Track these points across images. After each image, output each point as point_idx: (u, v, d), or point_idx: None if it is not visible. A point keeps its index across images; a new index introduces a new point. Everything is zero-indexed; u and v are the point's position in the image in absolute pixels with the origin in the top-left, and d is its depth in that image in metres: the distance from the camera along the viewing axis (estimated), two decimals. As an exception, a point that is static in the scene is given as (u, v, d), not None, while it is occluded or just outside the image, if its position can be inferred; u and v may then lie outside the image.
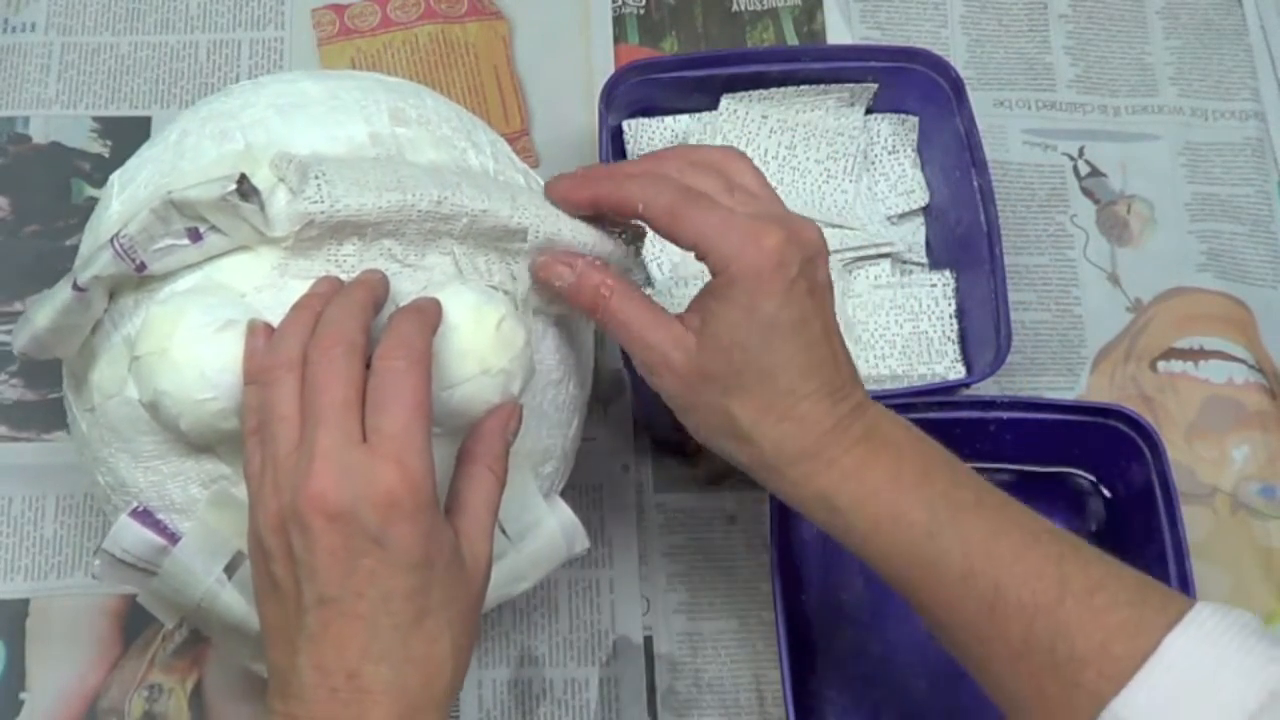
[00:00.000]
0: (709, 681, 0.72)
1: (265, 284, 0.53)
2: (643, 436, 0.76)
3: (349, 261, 0.53)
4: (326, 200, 0.51)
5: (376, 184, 0.52)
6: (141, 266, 0.52)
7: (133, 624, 0.70)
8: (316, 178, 0.52)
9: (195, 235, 0.52)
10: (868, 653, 0.70)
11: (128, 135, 0.80)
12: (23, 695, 0.69)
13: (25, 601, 0.71)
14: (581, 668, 0.72)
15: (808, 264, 0.53)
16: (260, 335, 0.51)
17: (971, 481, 0.55)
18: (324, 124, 0.56)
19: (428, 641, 0.48)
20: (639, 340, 0.55)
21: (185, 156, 0.56)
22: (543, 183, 0.62)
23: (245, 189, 0.51)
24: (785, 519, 0.69)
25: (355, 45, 0.84)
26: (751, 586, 0.73)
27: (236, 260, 0.53)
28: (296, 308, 0.51)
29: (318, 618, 0.48)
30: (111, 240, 0.52)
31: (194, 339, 0.51)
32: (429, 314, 0.51)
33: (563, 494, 0.63)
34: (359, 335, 0.49)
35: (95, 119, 0.81)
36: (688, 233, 0.53)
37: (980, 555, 0.52)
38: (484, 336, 0.53)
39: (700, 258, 0.53)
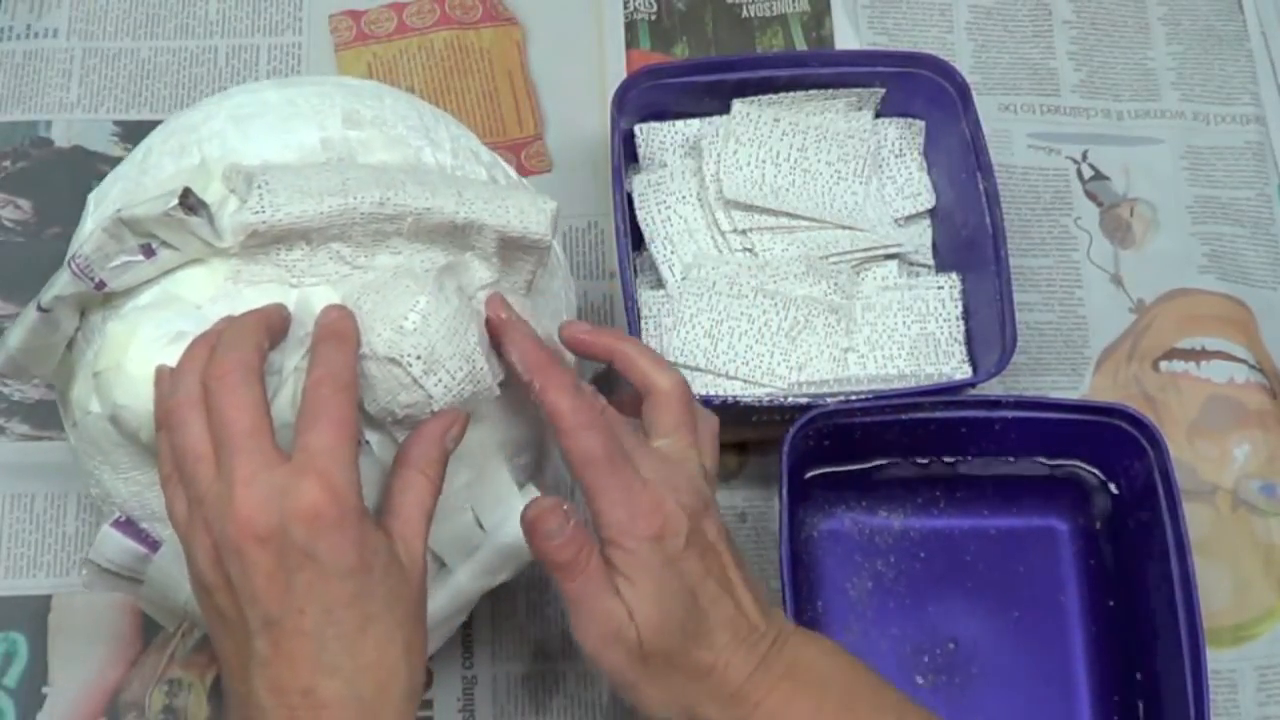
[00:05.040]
0: (719, 676, 0.72)
1: (220, 294, 0.53)
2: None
3: (298, 266, 0.54)
4: (268, 209, 0.52)
5: (319, 189, 0.52)
6: (101, 284, 0.53)
7: (153, 620, 0.70)
8: (259, 187, 0.52)
9: (149, 251, 0.53)
10: (875, 650, 0.71)
11: (145, 138, 0.81)
12: (45, 689, 0.70)
13: (48, 598, 0.72)
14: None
15: (694, 530, 0.54)
16: (165, 380, 0.52)
17: (891, 704, 0.56)
18: (277, 132, 0.57)
19: (377, 646, 0.49)
20: (589, 618, 0.54)
21: (148, 173, 0.57)
22: (514, 175, 0.62)
23: (190, 203, 0.51)
24: (794, 517, 0.69)
25: (372, 50, 0.85)
26: (761, 583, 0.74)
27: (190, 273, 0.54)
28: (191, 344, 0.51)
29: (266, 640, 0.48)
30: (69, 260, 0.52)
31: (147, 353, 0.52)
32: (348, 337, 0.52)
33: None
34: (254, 357, 0.50)
35: (116, 123, 0.82)
36: (590, 487, 0.54)
37: None
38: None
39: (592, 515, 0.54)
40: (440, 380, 0.53)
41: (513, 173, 0.64)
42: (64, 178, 0.80)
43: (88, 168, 0.81)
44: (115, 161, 0.79)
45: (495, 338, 0.56)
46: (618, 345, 0.59)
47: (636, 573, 0.53)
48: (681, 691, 0.54)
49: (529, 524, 0.54)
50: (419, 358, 0.52)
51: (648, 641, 0.53)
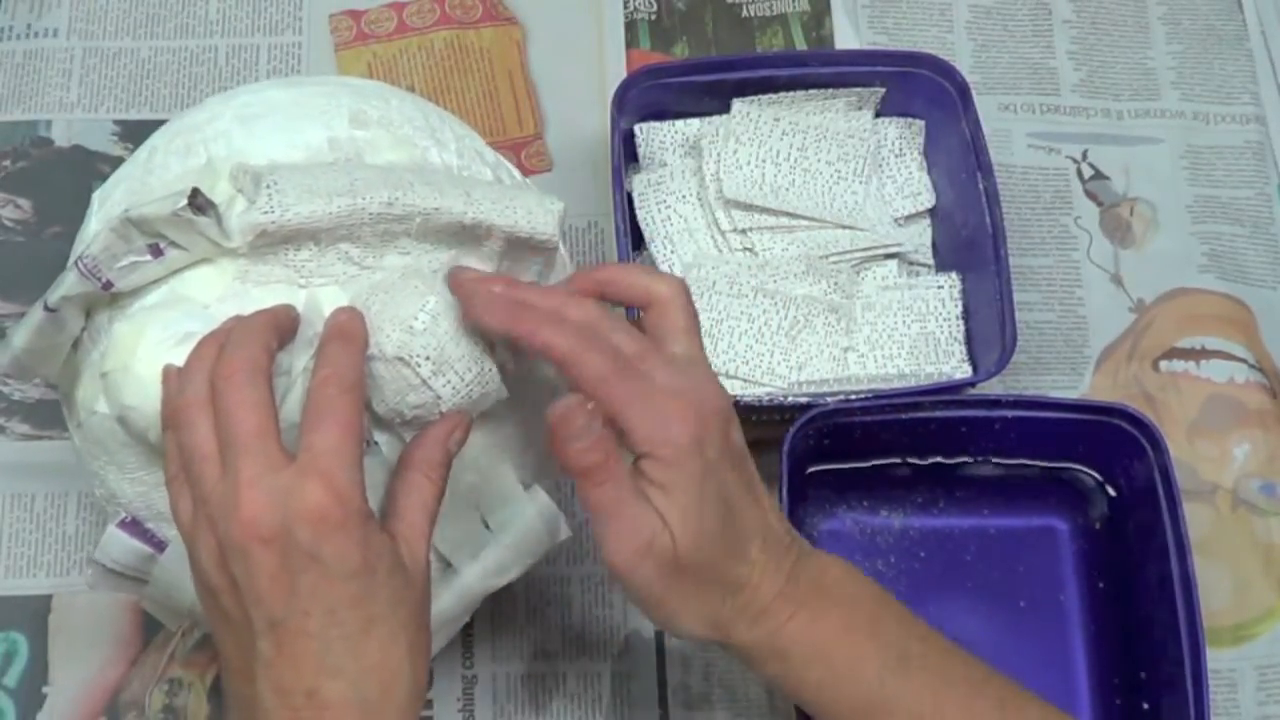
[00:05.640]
0: (719, 676, 0.72)
1: (228, 294, 0.53)
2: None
3: (307, 266, 0.54)
4: (277, 209, 0.52)
5: (328, 189, 0.52)
6: (108, 285, 0.53)
7: (153, 620, 0.70)
8: (268, 187, 0.52)
9: (156, 251, 0.53)
10: (875, 647, 0.71)
11: (148, 139, 0.81)
12: (45, 689, 0.70)
13: (48, 597, 0.72)
14: (594, 663, 0.72)
15: (723, 438, 0.52)
16: (172, 380, 0.52)
17: (917, 628, 0.56)
18: (284, 132, 0.57)
19: (381, 648, 0.49)
20: (617, 528, 0.51)
21: (154, 173, 0.57)
22: (519, 176, 0.62)
23: (199, 203, 0.51)
24: (794, 516, 0.69)
25: (372, 50, 0.85)
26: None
27: (198, 273, 0.54)
28: (199, 344, 0.51)
29: (270, 642, 0.48)
30: (76, 261, 0.52)
31: (155, 354, 0.52)
32: (355, 338, 0.52)
33: (572, 490, 0.64)
34: (262, 356, 0.50)
35: (116, 122, 0.82)
36: (610, 408, 0.51)
37: (929, 707, 0.54)
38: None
39: (618, 431, 0.51)
40: (449, 381, 0.53)
41: (517, 173, 0.64)
42: (64, 177, 0.80)
43: (88, 167, 0.81)
44: (115, 161, 0.80)
45: (468, 314, 0.53)
46: (602, 275, 0.55)
47: (673, 480, 0.51)
48: (715, 607, 0.53)
49: (553, 425, 0.51)
50: (428, 358, 0.52)
51: (684, 553, 0.51)
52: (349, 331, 0.52)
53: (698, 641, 0.55)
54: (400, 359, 0.52)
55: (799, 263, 0.75)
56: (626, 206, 0.75)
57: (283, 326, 0.52)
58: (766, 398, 0.70)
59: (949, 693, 0.55)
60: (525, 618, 0.73)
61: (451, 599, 0.60)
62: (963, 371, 0.74)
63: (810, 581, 0.55)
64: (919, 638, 0.56)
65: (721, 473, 0.52)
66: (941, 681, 0.55)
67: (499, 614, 0.73)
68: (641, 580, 0.52)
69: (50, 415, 0.75)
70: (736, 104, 0.78)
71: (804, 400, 0.69)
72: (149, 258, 0.53)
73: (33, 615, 0.71)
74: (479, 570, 0.59)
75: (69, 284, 0.52)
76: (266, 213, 0.52)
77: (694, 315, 0.55)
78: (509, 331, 0.52)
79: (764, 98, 0.78)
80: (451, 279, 0.54)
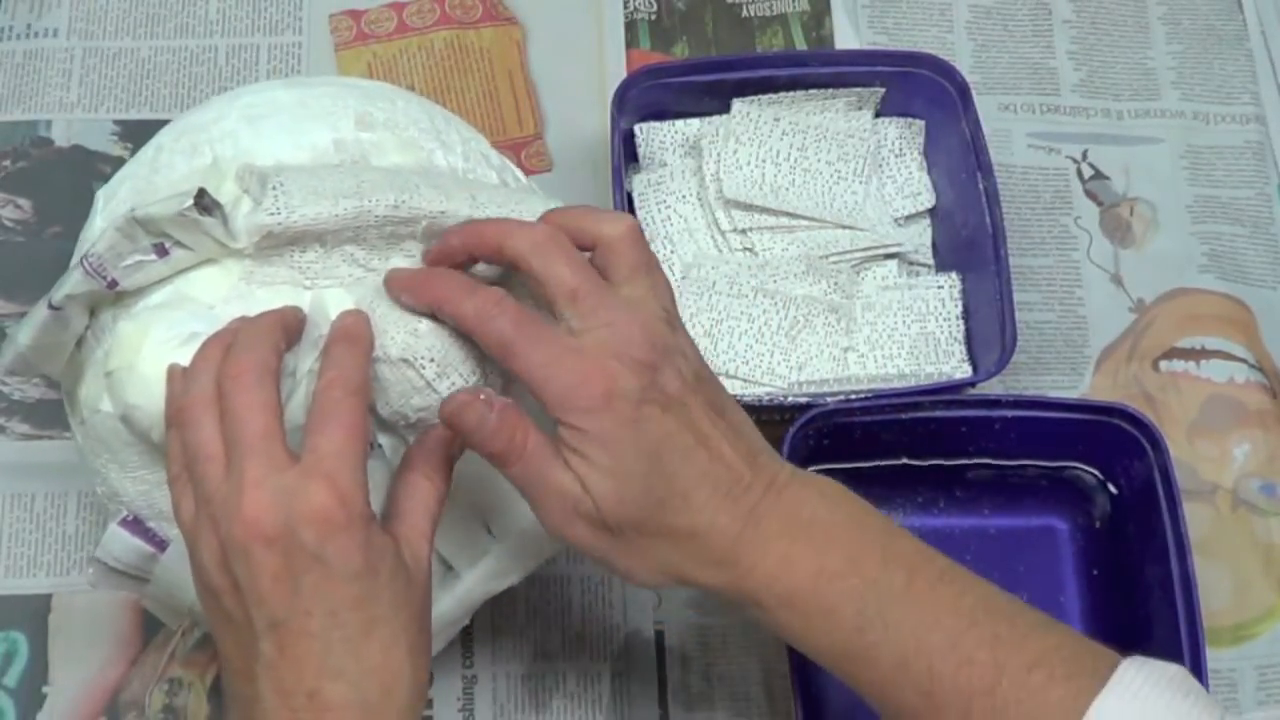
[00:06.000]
0: (719, 676, 0.72)
1: (233, 295, 0.53)
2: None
3: (312, 268, 0.54)
4: (283, 211, 0.52)
5: (334, 191, 0.52)
6: (113, 283, 0.53)
7: (153, 619, 0.70)
8: (274, 188, 0.52)
9: (162, 250, 0.53)
10: (875, 647, 0.71)
11: (148, 138, 0.79)
12: (45, 689, 0.70)
13: (48, 597, 0.72)
14: (594, 662, 0.72)
15: (649, 384, 0.50)
16: (177, 379, 0.51)
17: (904, 555, 0.53)
18: (290, 133, 0.57)
19: (382, 650, 0.48)
20: (543, 499, 0.52)
21: (159, 172, 0.57)
22: (524, 179, 0.62)
23: (205, 203, 0.51)
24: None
25: (372, 50, 0.85)
26: (750, 426, 0.73)
27: (204, 273, 0.54)
28: (206, 343, 0.51)
29: (272, 642, 0.48)
30: (81, 259, 0.52)
31: (159, 354, 0.52)
32: (361, 341, 0.51)
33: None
34: (270, 357, 0.49)
35: (116, 122, 0.82)
36: (518, 370, 0.50)
37: (913, 645, 0.51)
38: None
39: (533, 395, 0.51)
40: (453, 384, 0.53)
41: (522, 176, 0.64)
42: (64, 178, 0.80)
43: (88, 167, 0.81)
44: (115, 161, 0.80)
45: (394, 298, 0.53)
46: (550, 219, 0.53)
47: (586, 444, 0.50)
48: (665, 558, 0.52)
49: (448, 421, 0.51)
50: (432, 360, 0.52)
51: (609, 514, 0.50)
52: (355, 334, 0.52)
53: (665, 589, 0.53)
54: (404, 361, 0.52)
55: (799, 263, 0.75)
56: (626, 206, 0.75)
57: (290, 328, 0.52)
58: (766, 398, 0.70)
59: (935, 630, 0.51)
60: (525, 618, 0.73)
61: (451, 602, 0.60)
62: (963, 371, 0.74)
63: (780, 519, 0.52)
64: (905, 567, 0.52)
65: (646, 424, 0.50)
66: (930, 617, 0.51)
67: (499, 614, 0.73)
68: (579, 542, 0.52)
69: (50, 415, 0.75)
70: (736, 104, 0.78)
71: (804, 400, 0.69)
72: (154, 257, 0.53)
73: (33, 615, 0.71)
74: (479, 575, 0.59)
75: (74, 282, 0.52)
76: (272, 214, 0.52)
77: (641, 254, 0.53)
78: (423, 303, 0.52)
79: (764, 98, 0.78)
80: (385, 278, 0.54)
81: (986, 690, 0.50)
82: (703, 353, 0.71)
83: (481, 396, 0.51)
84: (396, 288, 0.53)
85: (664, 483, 0.51)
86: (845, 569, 0.51)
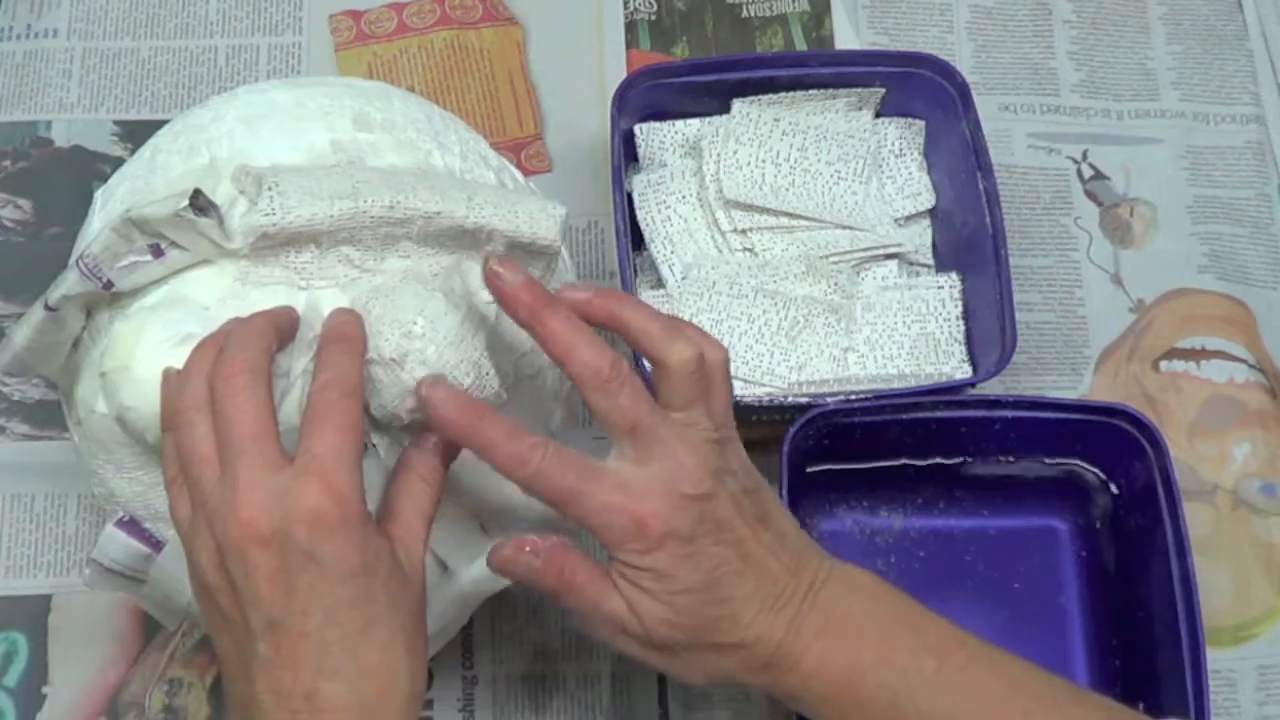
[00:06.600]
0: (719, 676, 0.73)
1: (228, 295, 0.53)
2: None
3: (307, 269, 0.54)
4: (279, 212, 0.52)
5: (329, 192, 0.52)
6: (109, 284, 0.53)
7: (153, 620, 0.70)
8: (269, 189, 0.52)
9: (157, 251, 0.53)
10: (875, 648, 0.71)
11: (148, 139, 0.80)
12: (45, 689, 0.70)
13: (48, 597, 0.72)
14: (594, 663, 0.72)
15: (701, 518, 0.52)
16: (171, 382, 0.52)
17: (933, 641, 0.55)
18: (287, 133, 0.57)
19: (379, 650, 0.48)
20: (592, 621, 0.55)
21: (156, 172, 0.57)
22: (522, 180, 0.62)
23: (200, 204, 0.51)
24: (797, 517, 0.69)
25: (372, 50, 0.85)
26: (790, 521, 0.73)
27: (199, 274, 0.54)
28: (199, 346, 0.51)
29: (268, 643, 0.48)
30: (77, 260, 0.52)
31: (154, 354, 0.52)
32: (354, 341, 0.52)
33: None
34: (262, 359, 0.50)
35: (116, 123, 0.82)
36: (578, 515, 0.52)
37: None
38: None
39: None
40: (448, 385, 0.53)
41: (520, 177, 0.64)
42: (64, 178, 0.80)
43: (88, 168, 0.81)
44: (115, 161, 0.80)
45: (512, 313, 0.53)
46: (622, 312, 0.54)
47: (640, 577, 0.52)
48: (713, 667, 0.54)
49: (501, 570, 0.54)
50: (424, 363, 0.52)
51: (657, 637, 0.53)
52: (348, 335, 0.52)
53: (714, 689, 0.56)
54: (398, 362, 0.52)
55: (799, 263, 0.75)
56: (626, 207, 0.75)
57: (282, 328, 0.52)
58: (766, 398, 0.70)
59: (965, 713, 0.53)
60: (525, 618, 0.73)
61: (448, 603, 0.60)
62: (963, 372, 0.74)
63: (817, 621, 0.54)
64: (935, 653, 0.54)
65: (699, 559, 0.52)
66: (960, 700, 0.53)
67: (499, 615, 0.73)
68: (628, 654, 0.55)
69: (50, 415, 0.75)
70: (736, 104, 0.78)
71: (804, 400, 0.69)
72: (150, 258, 0.53)
73: (32, 615, 0.71)
74: (475, 574, 0.59)
75: (70, 283, 0.53)
76: (268, 215, 0.52)
77: (699, 386, 0.54)
78: (476, 448, 0.52)
79: (764, 98, 0.78)
80: (487, 272, 0.53)
81: None
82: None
83: (527, 549, 0.53)
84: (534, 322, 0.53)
85: (714, 607, 0.53)
86: (877, 661, 0.54)
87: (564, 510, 0.52)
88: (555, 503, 0.52)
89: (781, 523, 0.56)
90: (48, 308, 0.53)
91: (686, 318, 0.73)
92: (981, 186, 0.75)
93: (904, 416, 0.70)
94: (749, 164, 0.77)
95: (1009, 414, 0.70)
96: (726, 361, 0.56)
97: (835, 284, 0.75)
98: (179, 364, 0.52)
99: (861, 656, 0.54)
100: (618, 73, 0.84)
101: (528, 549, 0.53)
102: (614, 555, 0.53)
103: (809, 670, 0.54)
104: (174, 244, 0.53)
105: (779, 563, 0.54)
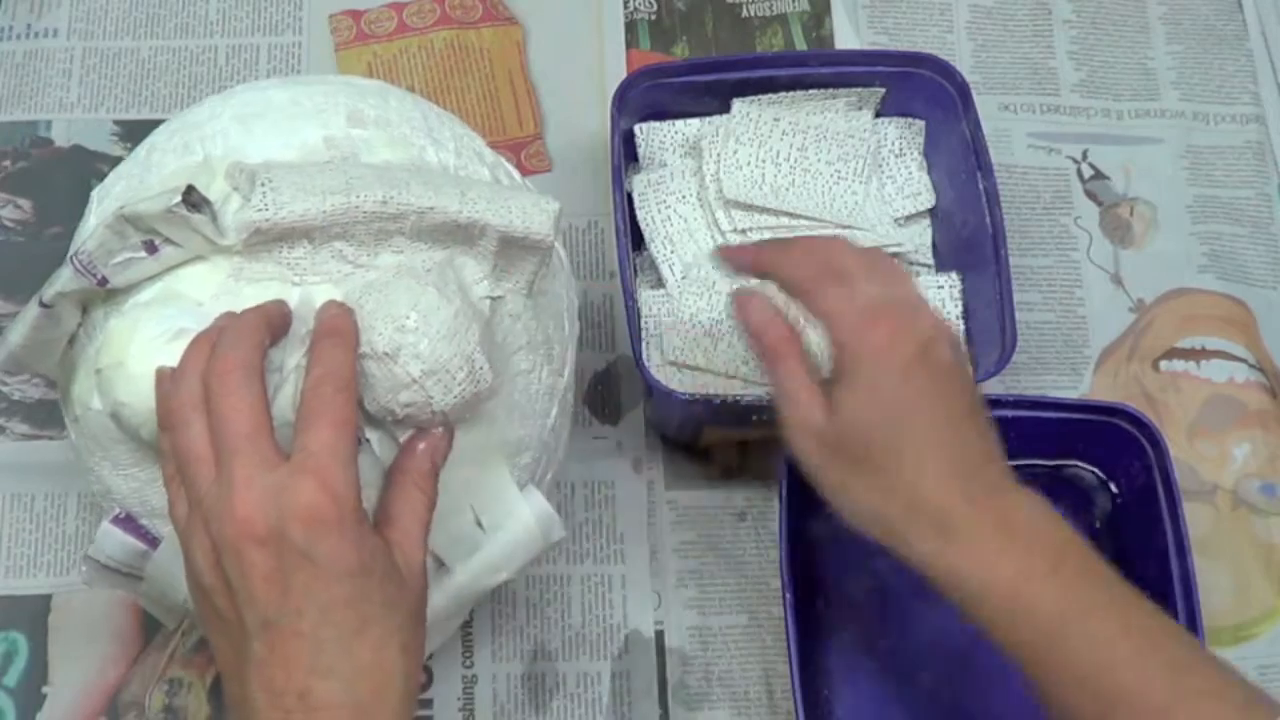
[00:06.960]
0: (719, 675, 0.72)
1: (221, 291, 0.53)
2: (654, 434, 0.77)
3: (301, 265, 0.54)
4: (272, 207, 0.52)
5: (323, 188, 0.52)
6: (103, 281, 0.53)
7: (153, 619, 0.70)
8: (263, 185, 0.52)
9: (151, 248, 0.53)
10: (875, 648, 0.71)
11: (148, 136, 0.81)
12: (45, 689, 0.70)
13: (48, 597, 0.72)
14: (594, 662, 0.72)
15: (923, 351, 0.55)
16: (166, 380, 0.51)
17: (1099, 574, 0.55)
18: (280, 130, 0.57)
19: (374, 649, 0.48)
20: (788, 397, 0.58)
21: (152, 170, 0.57)
22: (517, 176, 0.62)
23: (193, 200, 0.51)
24: (795, 515, 0.69)
25: (372, 50, 0.85)
26: (761, 582, 0.74)
27: (193, 270, 0.54)
28: (193, 343, 0.51)
29: (263, 642, 0.48)
30: (71, 257, 0.52)
31: (148, 350, 0.52)
32: (347, 335, 0.51)
33: (573, 490, 0.64)
34: (254, 355, 0.49)
35: (116, 122, 0.82)
36: (817, 309, 0.57)
37: (1103, 657, 0.53)
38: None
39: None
40: (440, 380, 0.53)
41: (515, 174, 0.64)
42: (64, 178, 0.81)
43: (88, 167, 0.81)
44: (115, 161, 0.79)
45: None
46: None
47: (855, 370, 0.55)
48: (882, 505, 0.55)
49: (738, 304, 0.60)
50: (418, 356, 0.52)
51: (845, 432, 0.55)
52: (341, 329, 0.52)
53: (872, 538, 0.56)
54: (391, 356, 0.52)
55: (799, 263, 0.75)
56: (626, 206, 0.75)
57: (274, 323, 0.52)
58: (766, 398, 0.70)
59: (1123, 645, 0.53)
60: (525, 617, 0.73)
61: (445, 599, 0.60)
62: (963, 371, 0.74)
63: (998, 516, 0.55)
64: (1101, 585, 0.55)
65: (913, 381, 0.55)
66: (1115, 634, 0.54)
67: (499, 613, 0.73)
68: (802, 451, 0.57)
69: (50, 415, 0.75)
70: (736, 104, 0.78)
71: (804, 400, 0.69)
72: (144, 254, 0.53)
73: (32, 615, 0.71)
74: (472, 570, 0.59)
75: (64, 280, 0.52)
76: (261, 210, 0.52)
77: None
78: (756, 266, 0.62)
79: (764, 98, 0.78)
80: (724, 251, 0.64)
81: (1161, 710, 0.52)
82: (703, 353, 0.73)
83: (772, 311, 0.60)
84: (729, 256, 0.64)
85: (908, 437, 0.55)
86: (1048, 573, 0.54)
87: (807, 301, 0.58)
88: (799, 292, 0.59)
89: (986, 425, 0.57)
90: (43, 304, 0.53)
91: (686, 317, 0.73)
92: (981, 186, 0.75)
93: (904, 416, 0.70)
94: (749, 164, 0.77)
95: (1009, 414, 0.70)
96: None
97: (835, 284, 0.75)
98: (173, 360, 0.51)
99: (1034, 564, 0.54)
100: (618, 73, 0.85)
101: (772, 312, 0.59)
102: (839, 347, 0.56)
103: (980, 557, 0.54)
104: (168, 240, 0.53)
105: (978, 443, 0.56)
